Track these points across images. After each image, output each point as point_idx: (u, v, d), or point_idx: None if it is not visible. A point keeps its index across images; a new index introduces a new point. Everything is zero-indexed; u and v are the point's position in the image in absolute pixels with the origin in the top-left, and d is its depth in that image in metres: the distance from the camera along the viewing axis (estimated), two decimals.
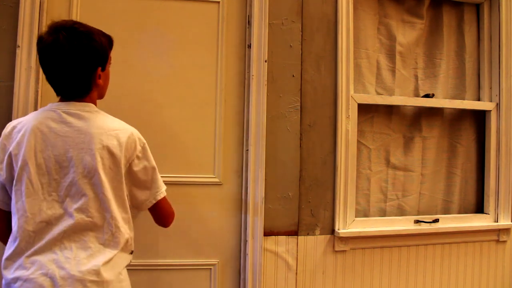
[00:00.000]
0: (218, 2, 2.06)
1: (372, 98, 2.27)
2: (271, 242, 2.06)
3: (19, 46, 1.81)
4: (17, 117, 1.79)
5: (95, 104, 1.34)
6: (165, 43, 2.00)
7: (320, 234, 2.13)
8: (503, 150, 2.41)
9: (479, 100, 2.50)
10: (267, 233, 2.05)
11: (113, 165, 1.24)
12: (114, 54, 1.45)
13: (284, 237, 2.08)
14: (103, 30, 1.36)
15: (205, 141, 2.03)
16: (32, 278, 1.14)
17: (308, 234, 2.11)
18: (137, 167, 1.29)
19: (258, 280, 2.01)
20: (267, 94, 2.04)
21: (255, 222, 2.02)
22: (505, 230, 2.42)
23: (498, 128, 2.42)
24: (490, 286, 2.41)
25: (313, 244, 2.11)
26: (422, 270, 2.29)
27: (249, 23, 2.07)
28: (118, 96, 1.86)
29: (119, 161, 1.25)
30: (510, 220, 2.41)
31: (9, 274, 1.17)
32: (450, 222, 2.34)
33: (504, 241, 2.43)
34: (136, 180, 1.31)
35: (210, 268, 2.03)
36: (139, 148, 1.30)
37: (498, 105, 2.43)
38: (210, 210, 2.04)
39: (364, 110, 2.27)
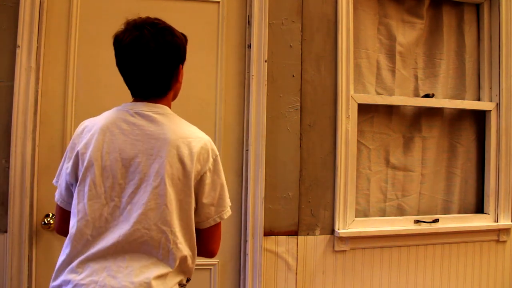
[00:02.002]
0: (218, 2, 2.06)
1: (372, 98, 2.27)
2: (271, 242, 2.06)
3: (19, 46, 1.81)
4: (17, 117, 1.80)
5: (170, 105, 1.27)
6: None
7: (320, 234, 2.13)
8: (503, 150, 2.41)
9: (479, 100, 2.50)
10: (267, 233, 2.05)
11: (182, 176, 1.14)
12: (113, 53, 1.45)
13: (284, 237, 2.08)
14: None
15: None
16: (83, 284, 1.08)
17: (308, 234, 2.11)
18: (208, 180, 1.19)
19: (258, 280, 2.01)
20: (267, 94, 2.04)
21: (255, 222, 2.02)
22: (505, 230, 2.42)
23: (498, 128, 2.42)
24: (490, 286, 2.41)
25: (313, 244, 2.11)
26: (422, 270, 2.29)
27: (249, 23, 2.07)
28: (117, 96, 1.85)
29: (189, 172, 1.15)
30: (510, 220, 2.42)
31: (62, 276, 1.12)
32: (450, 222, 2.34)
33: (504, 241, 2.43)
34: (204, 195, 1.19)
35: (210, 268, 2.03)
36: (211, 160, 1.20)
37: (498, 105, 2.43)
38: None
39: (364, 110, 2.27)
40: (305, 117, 2.12)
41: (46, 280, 1.88)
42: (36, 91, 1.85)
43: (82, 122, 1.25)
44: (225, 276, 2.06)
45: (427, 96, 2.38)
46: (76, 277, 1.09)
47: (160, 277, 1.11)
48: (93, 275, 1.09)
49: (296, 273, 2.09)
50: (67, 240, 1.15)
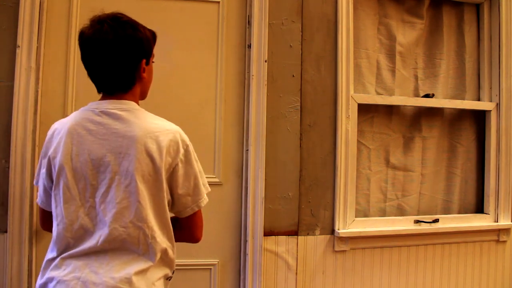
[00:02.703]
0: (218, 2, 2.06)
1: (372, 98, 2.27)
2: (271, 242, 2.06)
3: (19, 46, 1.81)
4: (17, 117, 1.80)
5: (137, 101, 1.26)
6: (165, 43, 2.00)
7: (320, 234, 2.13)
8: (503, 150, 2.41)
9: (479, 100, 2.50)
10: (267, 233, 2.05)
11: (152, 172, 1.15)
12: None
13: (284, 237, 2.08)
14: None
15: (205, 141, 2.03)
16: (65, 280, 1.11)
17: (308, 234, 2.11)
18: (180, 171, 1.19)
19: (258, 280, 2.01)
20: (267, 94, 2.04)
21: (255, 222, 2.02)
22: (505, 230, 2.42)
23: (498, 128, 2.42)
24: (490, 286, 2.41)
25: (313, 244, 2.11)
26: (422, 270, 2.29)
27: (249, 23, 2.07)
28: None
29: (159, 167, 1.15)
30: (510, 220, 2.41)
31: (46, 274, 1.16)
32: (450, 222, 2.34)
33: (504, 241, 2.43)
34: (179, 186, 1.20)
35: (210, 268, 2.03)
36: (182, 151, 1.20)
37: (498, 105, 2.43)
38: (210, 210, 2.03)
39: (364, 110, 2.27)
40: (305, 117, 2.12)
41: None
42: (36, 91, 1.85)
43: (52, 125, 1.26)
44: (225, 276, 2.06)
45: (427, 96, 2.38)
46: (59, 274, 1.13)
47: (141, 272, 1.14)
48: (75, 271, 1.12)
49: (296, 273, 2.09)
50: (51, 242, 1.18)
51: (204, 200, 1.26)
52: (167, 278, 1.24)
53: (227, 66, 2.06)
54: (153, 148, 1.15)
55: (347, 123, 2.16)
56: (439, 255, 2.31)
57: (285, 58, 2.10)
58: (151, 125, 1.19)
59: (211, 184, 2.00)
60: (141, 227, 1.14)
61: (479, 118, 2.50)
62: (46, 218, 1.29)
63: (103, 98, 1.23)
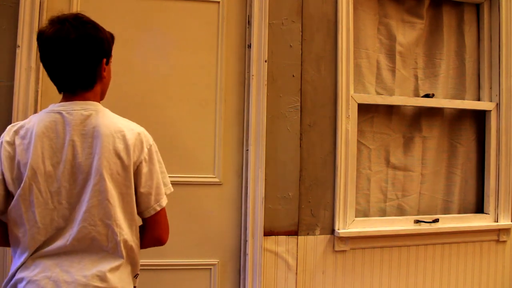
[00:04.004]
0: (218, 2, 2.06)
1: (372, 98, 2.27)
2: (271, 242, 2.06)
3: (19, 46, 1.81)
4: (17, 117, 1.80)
5: (99, 100, 1.29)
6: (165, 43, 2.00)
7: (320, 234, 2.13)
8: (503, 150, 2.41)
9: (479, 100, 2.50)
10: (267, 233, 2.05)
11: (121, 170, 1.18)
12: (114, 53, 1.45)
13: (284, 237, 2.08)
14: None
15: (205, 141, 2.03)
16: (36, 280, 1.12)
17: (308, 234, 2.11)
18: (143, 170, 1.22)
19: (258, 280, 2.01)
20: (267, 94, 2.04)
21: (255, 222, 2.02)
22: (505, 230, 2.42)
23: (498, 128, 2.42)
24: (490, 286, 2.41)
25: (313, 244, 2.11)
26: (422, 270, 2.29)
27: (249, 23, 2.07)
28: (117, 96, 1.86)
29: (127, 165, 1.18)
30: (510, 220, 2.41)
31: (16, 276, 1.16)
32: (450, 222, 2.34)
33: (504, 241, 2.43)
34: (141, 185, 1.22)
35: (210, 268, 2.03)
36: (145, 150, 1.23)
37: (498, 105, 2.43)
38: (210, 210, 2.04)
39: (364, 110, 2.27)
40: (305, 117, 2.12)
41: None
42: (36, 91, 1.85)
43: (8, 128, 1.22)
44: (225, 276, 2.06)
45: (427, 96, 2.38)
46: (29, 274, 1.13)
47: (114, 269, 1.17)
48: (45, 271, 1.13)
49: (296, 273, 2.09)
50: (19, 249, 1.17)
51: (164, 200, 1.27)
52: (135, 276, 1.28)
53: (227, 66, 2.06)
54: (120, 147, 1.18)
55: (347, 123, 2.16)
56: (439, 255, 2.31)
57: (285, 58, 2.10)
58: (117, 124, 1.21)
59: (211, 184, 2.03)
60: (109, 225, 1.17)
61: (479, 118, 2.50)
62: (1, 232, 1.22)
63: (65, 99, 1.23)
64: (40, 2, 1.84)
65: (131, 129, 1.23)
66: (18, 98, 1.81)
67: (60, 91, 1.25)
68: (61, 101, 1.23)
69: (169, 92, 2.00)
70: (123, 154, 1.18)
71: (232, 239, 2.06)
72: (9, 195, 1.19)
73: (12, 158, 1.17)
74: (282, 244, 2.07)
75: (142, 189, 1.22)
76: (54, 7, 1.90)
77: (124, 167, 1.18)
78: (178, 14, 2.02)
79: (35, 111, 1.84)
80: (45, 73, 1.85)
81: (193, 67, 2.04)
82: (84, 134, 1.18)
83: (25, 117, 1.81)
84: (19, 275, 1.15)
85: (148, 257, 1.94)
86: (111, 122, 1.21)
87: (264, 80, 2.04)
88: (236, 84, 2.07)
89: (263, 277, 2.03)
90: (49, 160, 1.16)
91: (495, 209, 2.41)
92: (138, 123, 1.39)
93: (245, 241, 2.03)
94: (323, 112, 2.14)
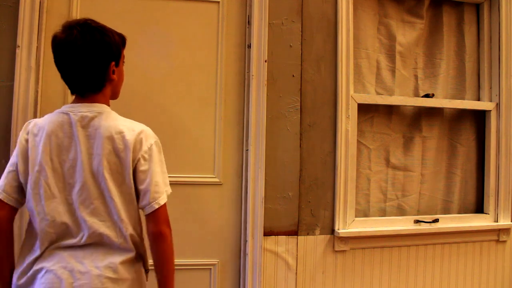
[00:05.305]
0: (218, 2, 2.06)
1: (372, 98, 2.27)
2: (271, 242, 2.06)
3: (19, 46, 1.81)
4: (17, 117, 1.81)
5: (108, 102, 1.35)
6: (165, 43, 2.01)
7: (320, 234, 2.13)
8: (503, 150, 2.41)
9: (479, 100, 2.50)
10: (267, 233, 2.05)
11: (121, 169, 1.25)
12: None
13: (284, 237, 2.08)
14: None
15: (205, 141, 2.03)
16: (53, 270, 1.20)
17: (308, 234, 2.11)
18: (142, 168, 1.27)
19: (258, 280, 2.01)
20: (267, 94, 2.04)
21: (255, 222, 2.02)
22: (505, 230, 2.42)
23: (498, 128, 2.42)
24: (490, 286, 2.41)
25: (313, 244, 2.11)
26: (422, 270, 2.29)
27: (249, 23, 2.07)
28: None
29: (126, 165, 1.25)
30: (510, 220, 2.41)
31: (34, 266, 1.23)
32: (450, 222, 2.34)
33: (504, 241, 2.43)
34: (139, 182, 1.27)
35: (210, 268, 2.03)
36: (145, 148, 1.28)
37: (498, 105, 2.43)
38: (210, 210, 2.04)
39: (364, 110, 2.27)
40: (305, 117, 2.12)
41: None
42: (36, 91, 1.85)
43: (25, 124, 1.32)
44: (225, 276, 2.06)
45: (427, 96, 2.38)
46: (47, 264, 1.22)
47: (125, 261, 1.25)
48: (62, 262, 1.22)
49: (296, 273, 2.09)
50: (31, 239, 1.26)
51: (164, 198, 1.30)
52: (146, 270, 1.36)
53: (227, 66, 2.06)
54: (120, 148, 1.25)
55: (347, 123, 2.16)
56: (439, 255, 2.31)
57: (285, 58, 2.10)
58: (118, 126, 1.28)
59: (211, 184, 2.03)
60: (116, 221, 1.25)
61: (479, 118, 2.50)
62: (8, 217, 1.29)
63: (76, 100, 1.31)
64: (40, 2, 1.84)
65: (132, 129, 1.28)
66: (18, 98, 1.81)
67: (72, 93, 1.34)
68: (72, 102, 1.32)
69: (169, 92, 2.00)
70: (122, 155, 1.25)
71: (232, 239, 2.06)
72: (22, 187, 1.28)
73: (25, 153, 1.27)
74: (282, 244, 2.07)
75: (141, 186, 1.27)
76: (54, 7, 1.90)
77: (124, 167, 1.25)
78: (178, 14, 2.02)
79: (35, 111, 1.85)
80: (45, 73, 1.88)
81: (193, 67, 2.04)
82: (87, 135, 1.25)
83: (25, 117, 1.81)
84: (37, 266, 1.23)
85: (148, 257, 1.94)
86: (113, 124, 1.27)
87: (264, 80, 2.04)
88: (236, 84, 2.07)
89: (263, 277, 2.03)
90: (56, 157, 1.25)
91: (495, 209, 2.41)
92: None
93: (245, 241, 2.03)
94: (323, 112, 2.14)
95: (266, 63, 2.05)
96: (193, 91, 2.03)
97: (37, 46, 1.84)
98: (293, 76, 2.11)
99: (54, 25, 1.89)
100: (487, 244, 2.40)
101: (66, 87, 1.89)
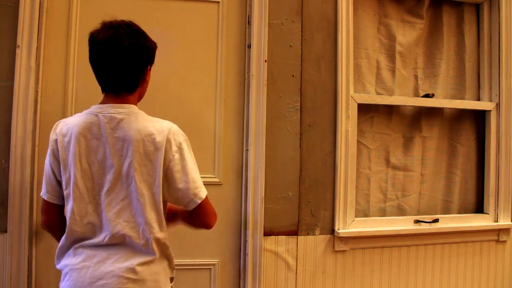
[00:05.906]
0: (218, 2, 2.06)
1: (372, 98, 2.27)
2: (271, 242, 2.06)
3: (19, 46, 1.81)
4: (17, 117, 1.81)
5: (137, 102, 1.36)
6: (165, 43, 2.00)
7: (320, 234, 2.13)
8: (503, 150, 2.41)
9: (479, 100, 2.50)
10: (267, 233, 2.05)
11: (151, 171, 1.25)
12: None
13: (284, 237, 2.08)
14: None
15: (205, 141, 2.03)
16: (77, 268, 1.24)
17: (308, 234, 2.11)
18: (176, 167, 1.27)
19: (258, 280, 2.01)
20: (267, 94, 2.04)
21: (255, 222, 2.02)
22: (505, 230, 2.42)
23: (498, 128, 2.42)
24: (490, 286, 2.41)
25: (313, 244, 2.11)
26: (422, 270, 2.29)
27: (249, 23, 2.07)
28: None
29: (156, 167, 1.25)
30: (510, 220, 2.42)
31: (62, 261, 1.29)
32: (450, 222, 2.34)
33: (504, 241, 2.43)
34: (176, 181, 1.28)
35: (210, 268, 2.03)
36: (174, 148, 1.27)
37: (498, 105, 2.43)
38: None
39: (364, 110, 2.27)
40: (305, 117, 2.12)
41: (46, 279, 1.88)
42: (36, 91, 1.85)
43: (55, 125, 1.33)
44: (225, 276, 2.06)
45: (427, 96, 2.38)
46: (72, 262, 1.26)
47: (145, 263, 1.25)
48: (86, 260, 1.24)
49: (296, 273, 2.09)
50: (66, 239, 1.30)
51: (203, 192, 1.32)
52: (171, 279, 1.35)
53: (227, 66, 2.06)
54: (150, 150, 1.25)
55: (347, 123, 2.16)
56: (439, 255, 2.31)
57: (285, 58, 2.10)
58: (148, 127, 1.27)
59: (211, 184, 2.03)
60: (141, 223, 1.25)
61: (479, 118, 2.50)
62: (55, 212, 1.35)
63: (106, 99, 1.31)
64: (40, 2, 1.84)
65: (162, 131, 1.28)
66: (18, 98, 1.81)
67: (103, 91, 1.33)
68: (101, 102, 1.31)
69: (169, 92, 2.00)
70: (152, 157, 1.25)
71: (232, 239, 2.06)
72: (61, 183, 1.31)
73: (55, 153, 1.29)
74: (282, 244, 2.07)
75: (179, 185, 1.28)
76: (54, 7, 1.90)
77: (154, 168, 1.25)
78: (178, 14, 2.02)
79: (35, 111, 1.85)
80: (45, 73, 1.88)
81: (193, 67, 2.04)
82: (116, 137, 1.26)
83: (25, 117, 1.82)
84: (64, 262, 1.28)
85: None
86: (142, 126, 1.27)
87: (264, 80, 2.04)
88: (236, 84, 2.07)
89: (263, 277, 2.03)
90: (85, 158, 1.26)
91: (495, 209, 2.41)
92: None
93: (245, 241, 2.03)
94: (323, 112, 2.14)
95: (266, 63, 2.05)
96: (193, 91, 2.03)
97: (37, 46, 1.84)
98: (293, 76, 2.11)
99: (54, 25, 1.90)
100: (487, 244, 2.40)
101: (66, 87, 1.92)
